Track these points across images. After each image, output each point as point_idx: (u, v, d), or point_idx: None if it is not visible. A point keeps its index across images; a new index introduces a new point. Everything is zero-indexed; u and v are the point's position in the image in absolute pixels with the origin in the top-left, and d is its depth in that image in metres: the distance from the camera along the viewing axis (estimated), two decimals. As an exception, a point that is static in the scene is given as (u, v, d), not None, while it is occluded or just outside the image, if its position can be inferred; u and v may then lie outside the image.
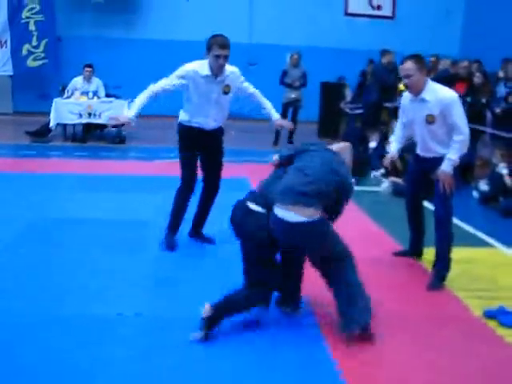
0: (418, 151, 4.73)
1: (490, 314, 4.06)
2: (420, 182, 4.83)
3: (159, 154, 9.56)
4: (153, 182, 7.62)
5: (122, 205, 6.46)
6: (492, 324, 3.94)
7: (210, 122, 4.95)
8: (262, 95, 5.17)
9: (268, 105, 5.17)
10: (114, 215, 6.07)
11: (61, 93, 11.09)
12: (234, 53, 15.17)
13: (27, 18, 13.33)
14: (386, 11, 15.03)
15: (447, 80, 9.40)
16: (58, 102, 10.53)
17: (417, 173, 4.84)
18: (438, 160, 4.48)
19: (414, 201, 4.96)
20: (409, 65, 4.37)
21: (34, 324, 3.63)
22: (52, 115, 10.42)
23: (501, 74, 9.29)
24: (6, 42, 13.27)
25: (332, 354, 3.43)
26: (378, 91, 10.42)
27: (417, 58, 4.41)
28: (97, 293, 4.12)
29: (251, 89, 5.12)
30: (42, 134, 10.66)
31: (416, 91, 4.45)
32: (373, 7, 14.97)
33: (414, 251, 5.15)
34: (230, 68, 4.90)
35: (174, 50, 14.11)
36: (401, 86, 11.10)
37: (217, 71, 4.79)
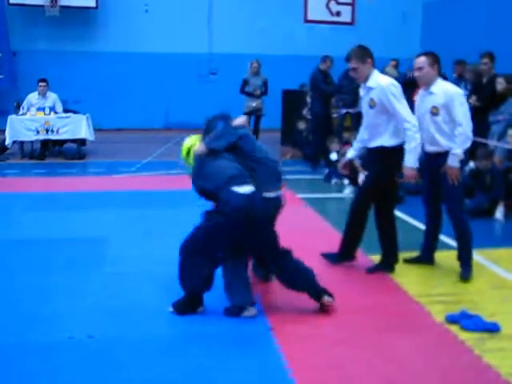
0: (426, 147, 4.80)
1: (452, 319, 4.03)
2: (432, 180, 4.85)
3: (118, 169, 9.42)
4: (111, 197, 7.48)
5: (78, 222, 6.31)
6: (454, 329, 3.91)
7: None
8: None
9: None
10: (70, 233, 5.91)
11: (16, 109, 10.87)
12: (194, 63, 15.29)
13: (-21, 33, 13.10)
14: (346, 17, 15.14)
15: (407, 84, 9.49)
16: (13, 119, 10.31)
17: (428, 172, 4.91)
18: (443, 156, 4.66)
19: (433, 202, 4.95)
20: (421, 59, 4.72)
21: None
22: (7, 132, 10.20)
23: (454, 75, 9.45)
24: (-42, 58, 13.02)
25: (284, 358, 3.37)
26: (319, 100, 9.94)
27: (430, 55, 4.76)
28: (48, 317, 3.98)
29: None
30: (-1, 151, 10.43)
31: (425, 84, 4.74)
32: (332, 14, 15.07)
33: (427, 257, 5.09)
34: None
35: (133, 62, 14.02)
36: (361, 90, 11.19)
37: None
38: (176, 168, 8.95)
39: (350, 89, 10.33)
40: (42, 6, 13.20)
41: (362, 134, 4.97)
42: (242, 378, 3.28)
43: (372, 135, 4.75)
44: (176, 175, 8.54)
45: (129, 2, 14.08)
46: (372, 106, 4.67)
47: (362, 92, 4.91)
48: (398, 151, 4.63)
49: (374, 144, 4.74)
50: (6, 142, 10.26)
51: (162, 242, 5.46)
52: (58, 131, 10.28)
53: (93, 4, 13.68)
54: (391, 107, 4.55)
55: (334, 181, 8.62)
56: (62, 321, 3.91)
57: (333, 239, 5.49)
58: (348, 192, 7.90)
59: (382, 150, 4.68)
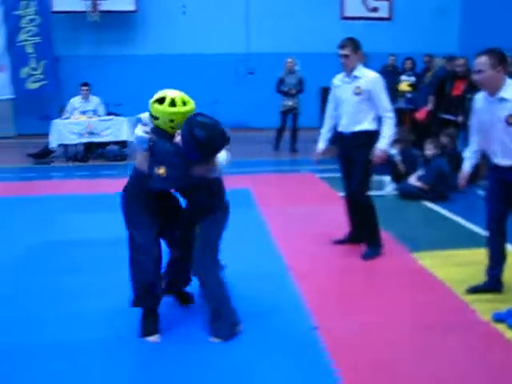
0: (496, 160, 4.18)
1: (498, 318, 3.95)
2: (502, 196, 4.23)
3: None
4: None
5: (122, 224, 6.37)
6: (501, 327, 3.82)
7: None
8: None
9: None
10: (114, 234, 5.98)
11: (60, 113, 11.08)
12: (232, 63, 15.31)
13: (24, 40, 13.39)
14: (383, 13, 14.94)
15: (445, 78, 9.33)
16: (57, 123, 10.51)
17: (497, 187, 4.25)
18: None
19: (497, 221, 4.32)
20: (482, 59, 3.98)
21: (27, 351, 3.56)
22: (51, 136, 10.41)
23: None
24: (4, 66, 13.34)
25: (330, 357, 3.35)
26: None
27: (493, 54, 4.00)
28: (93, 316, 4.05)
29: None
30: (43, 155, 10.65)
31: (490, 89, 4.04)
32: (369, 9, 14.90)
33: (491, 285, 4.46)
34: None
35: (172, 64, 14.12)
36: (402, 86, 11.04)
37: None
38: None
39: (387, 85, 10.22)
40: (84, 12, 13.40)
41: (331, 120, 5.30)
42: (287, 377, 3.27)
43: (352, 121, 5.04)
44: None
45: (167, 5, 14.17)
46: (358, 93, 4.97)
47: (337, 82, 5.25)
48: (377, 135, 5.01)
49: (356, 128, 5.03)
50: (51, 146, 10.47)
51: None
52: (100, 134, 10.44)
53: (132, 8, 13.82)
54: (377, 97, 4.96)
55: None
56: (110, 320, 3.98)
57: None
58: (390, 189, 7.80)
59: (368, 133, 5.03)
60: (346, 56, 5.03)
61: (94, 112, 10.77)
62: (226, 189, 3.86)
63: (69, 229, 6.25)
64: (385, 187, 7.93)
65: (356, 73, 5.06)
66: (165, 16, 14.18)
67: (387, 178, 8.07)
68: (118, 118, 10.79)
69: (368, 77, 5.03)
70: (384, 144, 4.99)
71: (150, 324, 3.73)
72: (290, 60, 11.20)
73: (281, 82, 11.24)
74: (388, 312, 4.06)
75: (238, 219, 6.24)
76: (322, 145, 5.39)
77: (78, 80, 11.56)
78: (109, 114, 11.12)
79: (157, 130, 3.60)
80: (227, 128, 3.65)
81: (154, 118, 3.60)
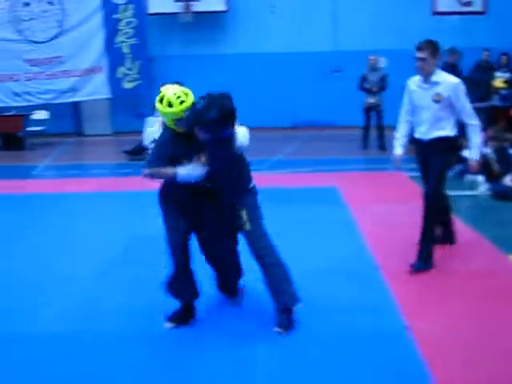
0: None
1: None
2: None
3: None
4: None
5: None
6: None
7: None
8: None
9: None
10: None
11: (153, 111, 11.47)
12: (320, 61, 15.21)
13: (121, 42, 14.01)
14: (476, 7, 14.43)
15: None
16: (150, 121, 10.90)
17: None
18: None
19: None
20: None
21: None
22: (146, 133, 10.82)
23: None
24: (102, 67, 14.02)
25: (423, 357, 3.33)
26: None
27: None
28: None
29: None
30: (138, 152, 11.08)
31: None
32: (462, 4, 14.44)
33: None
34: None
35: (262, 63, 14.29)
36: (496, 83, 10.67)
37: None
38: (304, 166, 9.09)
39: (481, 81, 9.91)
40: (177, 14, 13.83)
41: (407, 125, 5.05)
42: (381, 377, 3.27)
43: (433, 128, 4.82)
44: (306, 173, 8.66)
45: (256, 4, 14.34)
46: (437, 100, 4.73)
47: (413, 87, 4.95)
48: (457, 141, 4.96)
49: (436, 135, 4.81)
50: (144, 143, 10.88)
51: (294, 241, 5.53)
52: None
53: (223, 8, 14.11)
54: (459, 104, 4.73)
55: (467, 177, 8.29)
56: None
57: (464, 236, 5.34)
58: (483, 189, 7.58)
59: (448, 140, 4.83)
60: (422, 59, 4.73)
61: (186, 110, 11.05)
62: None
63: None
64: (478, 187, 7.71)
65: (435, 78, 4.77)
66: (254, 15, 14.36)
67: (480, 178, 7.83)
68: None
69: (448, 82, 4.75)
70: (476, 155, 4.85)
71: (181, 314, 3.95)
72: (372, 57, 11.11)
73: (363, 79, 11.17)
74: (480, 315, 3.97)
75: (327, 217, 6.33)
76: (399, 150, 5.14)
77: (170, 79, 11.90)
78: (200, 112, 11.38)
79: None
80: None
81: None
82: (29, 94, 14.23)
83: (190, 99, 3.70)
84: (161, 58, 14.30)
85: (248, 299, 4.27)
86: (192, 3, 13.83)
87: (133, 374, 3.36)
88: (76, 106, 14.82)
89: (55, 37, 14.10)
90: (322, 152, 11.12)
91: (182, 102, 3.65)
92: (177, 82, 11.11)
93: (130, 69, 14.07)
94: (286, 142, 12.26)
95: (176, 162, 3.68)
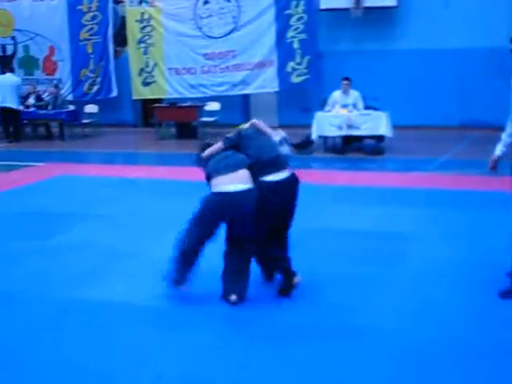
0: None
1: None
2: None
3: (417, 166, 9.44)
4: (409, 194, 7.58)
5: (378, 217, 6.54)
6: None
7: None
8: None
9: None
10: (370, 227, 6.18)
11: (322, 106, 11.63)
12: (497, 58, 14.33)
13: (292, 37, 14.31)
14: None
15: None
16: (319, 116, 11.06)
17: None
18: None
19: None
20: None
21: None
22: (314, 128, 10.99)
23: None
24: (273, 61, 14.44)
25: None
26: None
27: None
28: (358, 305, 4.27)
29: None
30: (304, 146, 11.29)
31: None
32: None
33: None
34: None
35: (430, 59, 13.84)
36: None
37: None
38: (472, 168, 8.70)
39: None
40: (348, 9, 13.83)
41: None
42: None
43: None
44: (474, 175, 8.30)
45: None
46: None
47: None
48: None
49: None
50: (312, 137, 11.06)
51: (463, 245, 5.41)
52: (359, 127, 10.72)
53: (394, 3, 13.86)
54: None
55: None
56: (373, 309, 4.17)
57: None
58: None
59: None
60: None
61: (354, 106, 11.08)
62: None
63: (328, 218, 6.56)
64: None
65: None
66: (426, 10, 13.92)
67: None
68: (377, 112, 10.95)
69: None
70: (499, 151, 4.55)
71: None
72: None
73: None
74: None
75: (495, 224, 5.99)
76: (498, 150, 4.67)
77: (338, 74, 11.99)
78: (366, 107, 11.35)
79: None
80: None
81: None
82: (204, 86, 15.08)
83: None
84: (330, 54, 14.38)
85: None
86: (363, -1, 13.75)
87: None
88: (246, 98, 15.44)
89: (230, 32, 14.78)
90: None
91: None
92: (346, 78, 11.33)
93: (299, 63, 14.33)
94: (454, 142, 11.80)
95: None
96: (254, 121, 4.60)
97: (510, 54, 4.54)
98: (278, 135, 4.45)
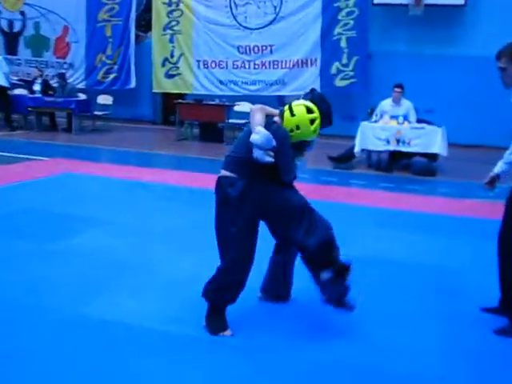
0: None
1: None
2: None
3: (474, 192, 9.43)
4: (464, 224, 7.60)
5: (423, 246, 6.58)
6: None
7: None
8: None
9: None
10: (418, 258, 6.22)
11: (368, 116, 11.70)
12: None
13: (339, 34, 14.45)
14: None
15: None
16: (364, 126, 11.14)
17: None
18: None
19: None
20: None
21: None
22: (357, 140, 11.07)
23: None
24: (316, 60, 14.56)
25: None
26: None
27: None
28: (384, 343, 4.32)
29: None
30: (345, 159, 11.36)
31: None
32: None
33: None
34: None
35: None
36: None
37: None
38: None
39: None
40: (406, 6, 13.91)
41: None
42: None
43: None
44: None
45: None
46: None
47: None
48: None
49: None
50: (355, 150, 11.12)
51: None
52: (409, 143, 10.76)
53: (461, 1, 13.90)
54: None
55: None
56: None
57: None
58: None
59: None
60: (502, 69, 4.57)
61: (405, 117, 11.13)
62: None
63: (370, 244, 6.62)
64: None
65: None
66: (499, 11, 13.91)
67: None
68: (431, 126, 10.99)
69: None
70: (499, 168, 4.69)
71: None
72: None
73: None
74: None
75: None
76: (497, 168, 4.87)
77: (390, 80, 12.07)
78: (419, 121, 11.39)
79: None
80: None
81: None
82: (234, 83, 15.30)
83: None
84: (381, 56, 14.48)
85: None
86: (425, -5, 13.82)
87: None
88: (281, 100, 15.55)
89: (269, 24, 14.99)
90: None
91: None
92: (399, 85, 11.37)
93: (345, 65, 14.47)
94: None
95: None
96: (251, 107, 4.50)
97: (498, 71, 4.62)
98: (259, 133, 4.06)
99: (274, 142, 4.05)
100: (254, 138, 4.01)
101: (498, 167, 4.87)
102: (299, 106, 4.28)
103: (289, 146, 4.21)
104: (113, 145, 13.18)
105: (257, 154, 4.05)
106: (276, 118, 4.30)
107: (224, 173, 4.23)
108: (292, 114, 4.23)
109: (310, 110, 4.26)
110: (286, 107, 4.31)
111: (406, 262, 6.10)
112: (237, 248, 4.16)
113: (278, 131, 4.14)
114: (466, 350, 4.33)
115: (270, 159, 4.05)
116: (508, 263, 4.66)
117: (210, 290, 4.29)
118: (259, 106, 4.29)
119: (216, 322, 4.30)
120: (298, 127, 4.22)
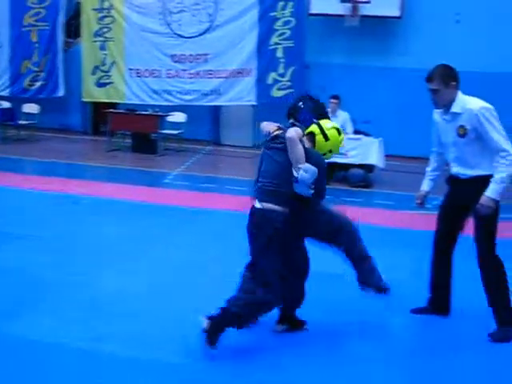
0: None
1: None
2: None
3: (406, 203, 9.53)
4: (400, 235, 7.66)
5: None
6: None
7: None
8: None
9: None
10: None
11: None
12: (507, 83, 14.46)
13: (276, 44, 14.49)
14: None
15: None
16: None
17: None
18: None
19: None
20: None
21: None
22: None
23: None
24: (251, 70, 14.55)
25: None
26: None
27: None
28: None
29: None
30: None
31: None
32: None
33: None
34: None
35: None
36: None
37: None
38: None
39: None
40: (343, 16, 14.03)
41: (438, 158, 5.13)
42: None
43: (466, 166, 4.73)
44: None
45: (437, 11, 14.11)
46: (462, 134, 4.66)
47: (436, 117, 4.96)
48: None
49: (472, 173, 4.71)
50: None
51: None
52: (345, 154, 10.81)
53: (397, 13, 14.08)
54: (485, 134, 4.58)
55: None
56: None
57: None
58: None
59: (486, 179, 4.61)
60: (434, 91, 4.75)
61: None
62: None
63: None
64: None
65: (455, 109, 4.75)
66: (434, 24, 14.16)
67: None
68: (368, 138, 11.10)
69: (470, 111, 4.65)
70: (493, 191, 4.56)
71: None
72: None
73: None
74: None
75: None
76: (425, 186, 5.19)
77: (326, 91, 12.12)
78: (356, 132, 11.48)
79: None
80: None
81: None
82: (168, 92, 15.13)
83: None
84: (318, 66, 14.54)
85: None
86: (361, 5, 13.97)
87: None
88: (216, 110, 15.49)
89: (204, 32, 14.90)
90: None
91: None
92: (335, 96, 11.43)
93: (281, 75, 14.49)
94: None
95: None
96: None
97: (430, 93, 4.80)
98: (309, 171, 4.29)
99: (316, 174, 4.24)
100: (303, 176, 4.17)
101: (425, 185, 5.18)
102: (332, 130, 4.58)
103: (325, 172, 4.52)
104: (38, 156, 12.83)
105: (301, 189, 4.27)
106: (304, 139, 4.48)
107: (268, 206, 4.35)
108: (326, 139, 4.52)
109: (339, 131, 4.65)
110: (316, 129, 4.57)
111: (343, 274, 6.05)
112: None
113: (318, 161, 4.37)
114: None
115: (312, 192, 4.29)
116: (489, 274, 4.73)
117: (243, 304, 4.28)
118: (294, 133, 4.31)
119: (219, 335, 4.21)
120: (330, 151, 4.60)
